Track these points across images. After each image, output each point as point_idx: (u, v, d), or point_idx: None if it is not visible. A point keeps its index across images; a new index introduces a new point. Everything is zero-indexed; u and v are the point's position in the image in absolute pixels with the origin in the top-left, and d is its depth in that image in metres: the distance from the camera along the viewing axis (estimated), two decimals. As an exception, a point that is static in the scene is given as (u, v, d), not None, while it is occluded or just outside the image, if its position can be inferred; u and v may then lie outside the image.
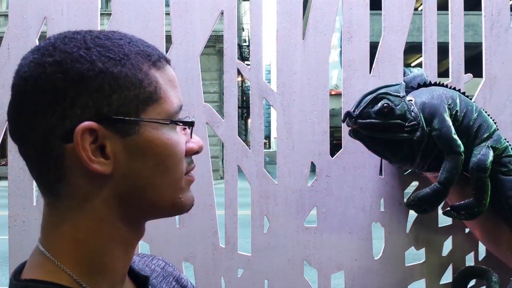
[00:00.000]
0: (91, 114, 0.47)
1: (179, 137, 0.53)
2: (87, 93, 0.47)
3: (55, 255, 0.50)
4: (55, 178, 0.49)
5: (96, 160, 0.48)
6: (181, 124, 0.53)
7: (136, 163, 0.50)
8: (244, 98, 21.08)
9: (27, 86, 0.47)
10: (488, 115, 1.26)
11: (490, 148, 1.18)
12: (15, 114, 0.49)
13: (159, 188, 0.52)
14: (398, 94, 1.15)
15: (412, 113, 1.15)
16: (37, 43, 1.33)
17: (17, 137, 0.50)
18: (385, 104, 1.12)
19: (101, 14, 1.39)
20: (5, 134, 1.33)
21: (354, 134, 1.16)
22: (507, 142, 1.25)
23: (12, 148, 1.32)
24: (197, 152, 0.56)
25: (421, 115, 1.16)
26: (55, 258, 0.49)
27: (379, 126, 1.12)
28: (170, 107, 0.52)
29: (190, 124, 0.55)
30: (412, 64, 10.46)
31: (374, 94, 1.14)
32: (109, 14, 1.36)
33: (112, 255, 0.52)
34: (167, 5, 1.35)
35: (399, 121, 1.12)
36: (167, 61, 0.55)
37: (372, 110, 1.12)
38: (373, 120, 1.12)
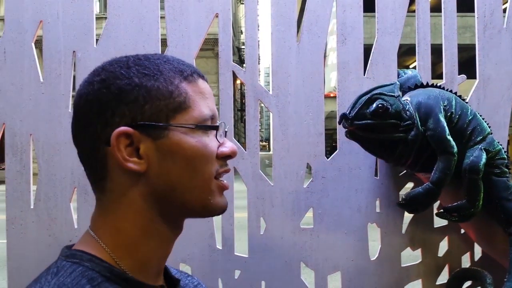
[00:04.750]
0: (128, 121, 0.56)
1: (209, 141, 0.59)
2: (124, 104, 0.56)
3: (100, 238, 0.59)
4: (100, 177, 0.59)
5: (131, 160, 0.56)
6: (204, 128, 0.59)
7: (167, 163, 0.57)
8: (244, 101, 21.06)
9: (81, 101, 0.58)
10: (483, 118, 1.27)
11: (483, 151, 1.18)
12: (74, 125, 0.60)
13: (187, 187, 0.59)
14: (393, 94, 1.16)
15: (407, 112, 1.15)
16: (33, 46, 1.33)
17: (76, 145, 0.60)
18: (379, 105, 1.12)
19: (98, 18, 1.39)
20: (2, 137, 1.33)
21: (350, 135, 1.17)
22: (500, 145, 1.25)
23: (9, 152, 1.32)
24: (229, 156, 0.62)
25: (417, 114, 1.17)
26: (100, 240, 0.58)
27: (375, 126, 1.13)
28: (198, 115, 0.59)
29: (214, 128, 0.61)
30: (410, 66, 10.47)
31: (368, 95, 1.14)
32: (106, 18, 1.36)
33: (147, 245, 0.59)
34: (162, 8, 1.36)
35: (394, 120, 1.13)
36: (200, 76, 0.62)
37: (368, 111, 1.13)
38: (368, 121, 1.12)
